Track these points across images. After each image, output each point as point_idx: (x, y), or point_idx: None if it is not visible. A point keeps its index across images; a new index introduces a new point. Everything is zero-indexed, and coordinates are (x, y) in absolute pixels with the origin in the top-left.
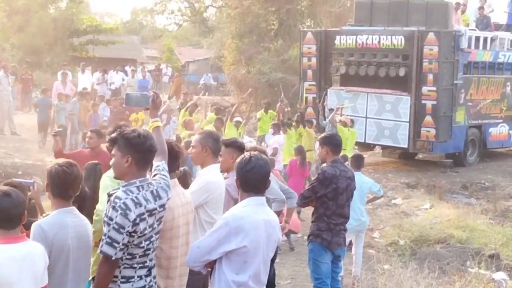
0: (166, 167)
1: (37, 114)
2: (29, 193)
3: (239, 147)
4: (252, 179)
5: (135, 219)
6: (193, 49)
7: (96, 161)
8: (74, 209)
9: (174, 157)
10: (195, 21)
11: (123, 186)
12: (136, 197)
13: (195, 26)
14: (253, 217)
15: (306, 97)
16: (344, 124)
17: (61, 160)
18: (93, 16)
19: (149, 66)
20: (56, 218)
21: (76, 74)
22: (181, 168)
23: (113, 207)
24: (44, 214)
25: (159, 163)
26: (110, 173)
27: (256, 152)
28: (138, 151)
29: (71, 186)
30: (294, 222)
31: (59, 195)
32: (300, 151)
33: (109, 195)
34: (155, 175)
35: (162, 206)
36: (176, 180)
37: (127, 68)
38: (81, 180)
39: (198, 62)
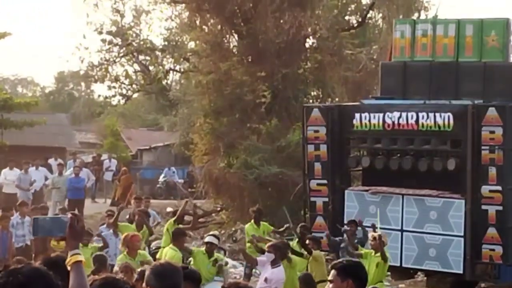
0: None
1: None
2: None
3: (198, 281)
4: None
5: None
6: (148, 132)
7: None
8: None
9: None
10: (150, 92)
11: None
12: None
13: (151, 98)
14: None
15: (314, 202)
16: (381, 245)
17: None
18: (0, 86)
19: (84, 157)
20: None
21: None
22: None
23: None
24: None
25: None
26: None
27: None
28: None
29: None
30: None
31: None
32: (308, 283)
33: None
34: None
35: None
36: None
37: (51, 160)
38: None
39: (155, 150)
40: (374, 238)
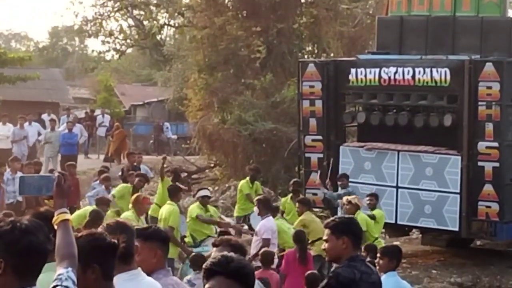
0: (74, 277)
1: None
2: None
3: (164, 240)
4: None
5: None
6: (142, 88)
7: None
8: None
9: (109, 256)
10: (144, 47)
11: None
12: None
13: (145, 53)
14: None
15: (308, 158)
16: (357, 208)
17: None
18: None
19: (78, 112)
20: None
21: None
22: None
23: None
24: None
25: (63, 271)
26: None
27: (230, 254)
28: (11, 252)
29: None
30: None
31: None
32: (300, 239)
33: None
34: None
35: None
36: None
37: (44, 116)
38: None
39: (149, 106)
40: (349, 202)
